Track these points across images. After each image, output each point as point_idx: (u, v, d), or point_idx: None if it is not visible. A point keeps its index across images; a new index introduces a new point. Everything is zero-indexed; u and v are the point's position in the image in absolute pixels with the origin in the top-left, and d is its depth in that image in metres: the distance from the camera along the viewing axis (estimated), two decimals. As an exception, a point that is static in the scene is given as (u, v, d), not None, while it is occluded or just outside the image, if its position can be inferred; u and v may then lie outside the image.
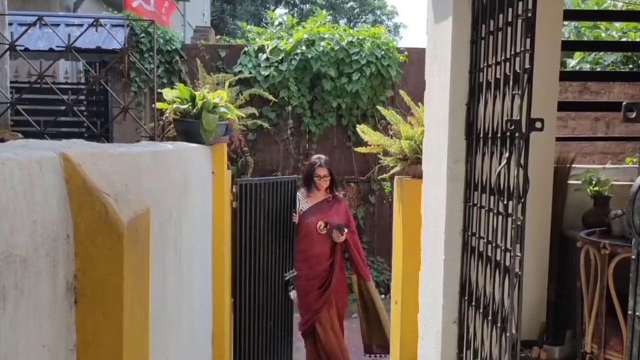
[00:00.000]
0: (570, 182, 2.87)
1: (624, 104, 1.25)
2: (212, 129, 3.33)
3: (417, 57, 6.60)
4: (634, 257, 1.32)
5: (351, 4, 23.98)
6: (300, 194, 4.75)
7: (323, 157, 4.75)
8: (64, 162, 1.02)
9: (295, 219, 4.68)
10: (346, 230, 4.56)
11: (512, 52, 1.82)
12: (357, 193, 7.14)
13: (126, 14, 6.94)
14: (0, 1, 3.08)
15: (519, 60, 1.76)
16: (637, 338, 1.31)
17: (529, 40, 1.71)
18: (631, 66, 5.21)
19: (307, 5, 22.74)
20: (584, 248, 2.44)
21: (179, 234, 2.46)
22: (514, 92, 1.79)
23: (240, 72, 6.56)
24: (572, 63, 5.32)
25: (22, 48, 3.33)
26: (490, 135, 2.03)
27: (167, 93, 3.41)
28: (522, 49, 1.72)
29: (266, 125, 5.67)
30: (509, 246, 1.83)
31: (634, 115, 1.22)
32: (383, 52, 6.75)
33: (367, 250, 6.99)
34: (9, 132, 2.79)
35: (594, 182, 2.75)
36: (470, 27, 2.23)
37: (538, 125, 1.73)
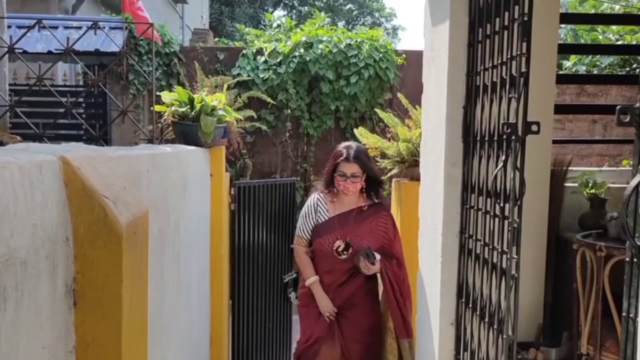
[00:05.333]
0: (567, 184, 2.88)
1: (618, 107, 1.26)
2: (210, 131, 3.33)
3: (415, 59, 6.62)
4: (627, 259, 1.33)
5: (349, 6, 24.01)
6: (320, 198, 3.24)
7: (354, 145, 3.20)
8: (63, 165, 1.03)
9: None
10: (377, 258, 3.02)
11: (509, 55, 1.83)
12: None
13: (124, 17, 6.95)
14: (-2, 4, 3.09)
15: (515, 64, 1.77)
16: (631, 339, 1.32)
17: (525, 44, 1.72)
18: (627, 68, 5.23)
19: (305, 7, 22.77)
20: (579, 250, 2.45)
21: (177, 235, 2.46)
22: (510, 95, 1.81)
23: (239, 74, 6.57)
24: (568, 64, 5.35)
25: (21, 50, 3.34)
26: (486, 138, 2.04)
27: (166, 95, 3.42)
28: (518, 52, 1.74)
29: (264, 127, 5.67)
30: (505, 248, 1.84)
31: (627, 118, 1.24)
32: (381, 55, 6.77)
33: (365, 252, 6.98)
34: (8, 134, 2.79)
35: (590, 185, 2.76)
36: (466, 30, 2.24)
37: (534, 128, 1.74)
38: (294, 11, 23.29)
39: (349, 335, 3.14)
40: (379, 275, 3.18)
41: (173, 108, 3.36)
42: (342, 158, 3.08)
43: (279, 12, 22.72)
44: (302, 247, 3.24)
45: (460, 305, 2.32)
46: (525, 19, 1.70)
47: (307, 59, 6.67)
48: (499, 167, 1.86)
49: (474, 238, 2.17)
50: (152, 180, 1.87)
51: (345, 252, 3.09)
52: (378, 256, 3.05)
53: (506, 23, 1.86)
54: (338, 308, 3.13)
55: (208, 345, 3.72)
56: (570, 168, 2.90)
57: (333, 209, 3.20)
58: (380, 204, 3.26)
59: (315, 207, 3.22)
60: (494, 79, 1.98)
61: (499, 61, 1.91)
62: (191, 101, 3.34)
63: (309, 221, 3.22)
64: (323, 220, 3.18)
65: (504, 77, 1.87)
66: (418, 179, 2.80)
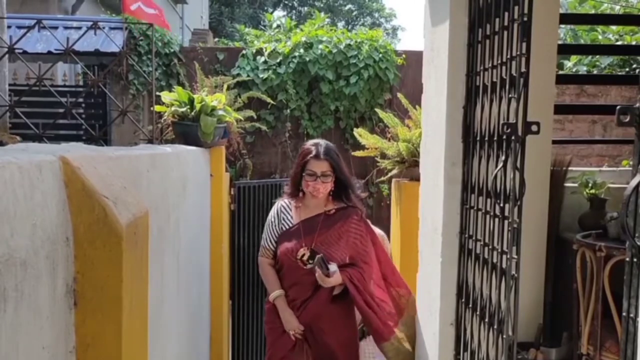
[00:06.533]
0: (567, 184, 2.88)
1: (618, 107, 1.26)
2: (210, 132, 3.34)
3: (414, 59, 6.62)
4: (627, 259, 1.33)
5: (349, 6, 24.02)
6: (284, 205, 2.98)
7: (323, 142, 2.92)
8: (63, 165, 1.03)
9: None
10: (333, 269, 2.74)
11: (508, 56, 1.83)
12: (354, 195, 7.14)
13: (124, 17, 6.95)
14: (-2, 4, 3.09)
15: (515, 64, 1.77)
16: (631, 340, 1.32)
17: (524, 44, 1.72)
18: (627, 69, 5.23)
19: (305, 8, 22.78)
20: (579, 250, 2.45)
21: (177, 235, 2.46)
22: (510, 95, 1.81)
23: (238, 74, 6.57)
24: (569, 64, 5.35)
25: (21, 51, 3.34)
26: (486, 138, 2.04)
27: (165, 96, 3.43)
28: (518, 53, 1.74)
29: (264, 127, 5.68)
30: (505, 248, 1.84)
31: (627, 118, 1.24)
32: (381, 55, 6.77)
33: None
34: (7, 134, 2.79)
35: (589, 185, 2.76)
36: (466, 30, 2.24)
37: (534, 128, 1.74)
38: (294, 11, 23.29)
39: (319, 355, 2.86)
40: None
41: (173, 108, 3.36)
42: (311, 155, 2.80)
43: (279, 13, 22.74)
44: (266, 259, 2.95)
45: (460, 306, 2.32)
46: (525, 19, 1.71)
47: (307, 59, 6.67)
48: (499, 167, 1.86)
49: (474, 238, 2.17)
50: (152, 180, 1.87)
51: (310, 262, 2.77)
52: (334, 267, 2.74)
53: (506, 23, 1.86)
54: (305, 325, 2.83)
55: (208, 345, 3.71)
56: (570, 168, 2.91)
57: (298, 215, 2.91)
58: (352, 207, 2.94)
59: (279, 214, 2.95)
60: (494, 79, 1.98)
61: (499, 61, 1.92)
62: (191, 101, 3.34)
63: (273, 230, 2.94)
64: (287, 227, 2.90)
65: (504, 77, 1.87)
66: (418, 179, 2.80)
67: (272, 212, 2.99)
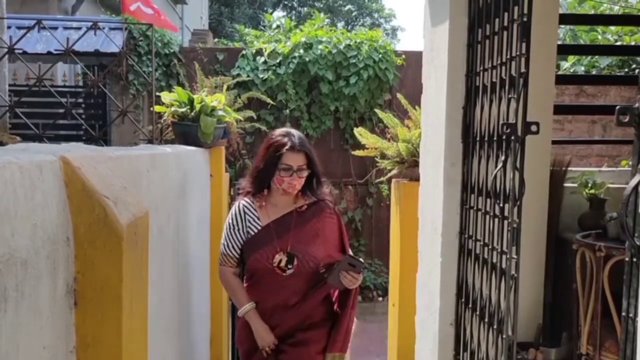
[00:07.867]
0: (566, 184, 2.89)
1: (617, 107, 1.27)
2: (210, 132, 3.34)
3: (414, 59, 6.63)
4: (627, 259, 1.33)
5: (349, 6, 24.01)
6: (247, 204, 2.61)
7: (294, 131, 2.57)
8: (63, 165, 1.03)
9: None
10: (363, 264, 2.51)
11: (508, 56, 1.84)
12: (354, 195, 7.16)
13: (124, 17, 6.95)
14: (-2, 4, 3.09)
15: (514, 64, 1.77)
16: (631, 339, 1.32)
17: (524, 44, 1.72)
18: (626, 69, 5.24)
19: (305, 8, 22.78)
20: (579, 250, 2.46)
21: (177, 235, 2.47)
22: (510, 96, 1.81)
23: (238, 74, 6.57)
24: (566, 65, 5.35)
25: (21, 51, 3.34)
26: (486, 138, 2.05)
27: (165, 96, 3.43)
28: (518, 53, 1.74)
29: (264, 127, 5.68)
30: (504, 248, 1.84)
31: (626, 118, 1.24)
32: (380, 55, 6.78)
33: (365, 252, 6.99)
34: (7, 134, 2.79)
35: (589, 185, 2.76)
36: (466, 30, 2.24)
37: (533, 128, 1.74)
38: (294, 12, 23.29)
39: None
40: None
41: (173, 108, 3.36)
42: (287, 147, 2.45)
43: (279, 13, 22.74)
44: (229, 268, 2.64)
45: (460, 306, 2.32)
46: (525, 19, 1.71)
47: (307, 59, 6.67)
48: (498, 168, 1.86)
49: (473, 238, 2.18)
50: (152, 180, 1.87)
51: (289, 266, 2.50)
52: (363, 264, 2.50)
53: (505, 24, 1.87)
54: (284, 336, 2.56)
55: (208, 345, 3.71)
56: (569, 168, 2.91)
57: (266, 215, 2.58)
58: (323, 201, 2.63)
59: (243, 215, 2.60)
60: (494, 80, 1.98)
61: (499, 62, 1.92)
62: (191, 102, 3.34)
63: (237, 235, 2.59)
64: (255, 231, 2.56)
65: (504, 77, 1.87)
66: (418, 180, 2.80)
67: (233, 214, 2.63)
